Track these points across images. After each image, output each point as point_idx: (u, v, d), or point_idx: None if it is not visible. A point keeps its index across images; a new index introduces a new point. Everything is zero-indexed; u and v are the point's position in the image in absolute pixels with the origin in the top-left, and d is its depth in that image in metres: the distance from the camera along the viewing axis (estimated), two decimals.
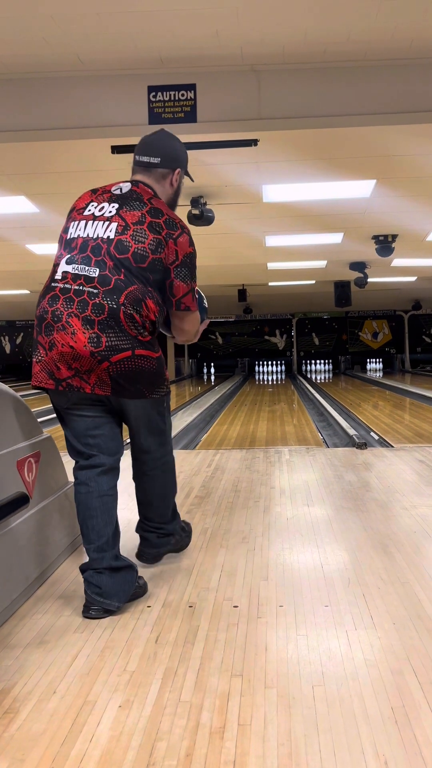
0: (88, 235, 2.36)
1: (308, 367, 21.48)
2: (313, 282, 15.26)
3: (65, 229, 2.44)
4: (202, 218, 7.24)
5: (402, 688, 1.73)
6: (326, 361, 21.49)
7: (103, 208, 2.42)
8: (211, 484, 4.22)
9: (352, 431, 6.27)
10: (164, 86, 5.15)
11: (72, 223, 2.43)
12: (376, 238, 9.68)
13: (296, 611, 2.22)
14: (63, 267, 2.35)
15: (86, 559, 2.35)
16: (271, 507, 3.59)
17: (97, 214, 2.40)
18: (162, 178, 2.56)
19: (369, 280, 12.73)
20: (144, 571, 2.61)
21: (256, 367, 21.03)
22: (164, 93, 5.17)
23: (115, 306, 2.26)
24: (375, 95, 5.10)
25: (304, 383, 15.16)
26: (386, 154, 5.94)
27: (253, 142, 5.42)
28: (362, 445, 5.45)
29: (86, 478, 2.35)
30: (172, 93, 5.18)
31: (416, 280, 14.98)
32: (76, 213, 2.47)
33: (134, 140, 5.31)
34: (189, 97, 5.16)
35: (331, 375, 20.28)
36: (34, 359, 2.35)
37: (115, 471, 2.41)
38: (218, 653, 1.95)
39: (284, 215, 8.25)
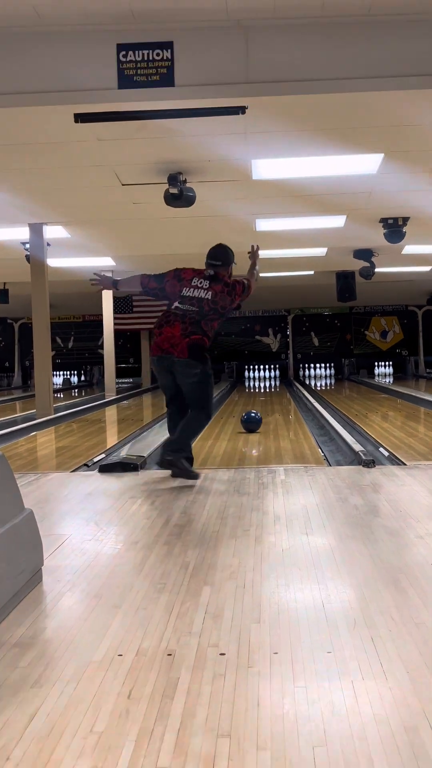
0: (194, 296, 5.21)
1: (307, 372, 21.57)
2: (312, 273, 15.33)
3: (181, 290, 5.25)
4: (181, 198, 7.25)
5: (417, 748, 1.73)
6: (327, 364, 21.59)
7: (201, 282, 5.26)
8: (193, 510, 4.22)
9: (357, 447, 6.28)
10: (136, 44, 5.16)
11: (184, 288, 5.25)
12: (384, 221, 9.74)
13: (293, 659, 2.22)
14: (176, 304, 5.21)
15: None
16: (264, 536, 3.60)
17: (199, 285, 5.25)
18: (224, 271, 5.35)
19: (376, 270, 12.80)
20: (112, 612, 2.60)
21: (246, 372, 21.09)
22: (136, 52, 5.18)
23: (199, 318, 5.16)
24: (382, 55, 5.13)
25: (302, 391, 15.21)
26: (395, 123, 5.97)
27: (240, 110, 5.44)
28: (370, 463, 5.46)
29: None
30: (146, 52, 5.19)
31: (431, 270, 15.10)
32: (186, 283, 5.27)
33: (101, 107, 5.41)
34: (165, 58, 5.18)
35: (333, 381, 20.39)
36: (153, 342, 5.25)
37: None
38: (202, 709, 1.94)
39: (277, 195, 8.28)
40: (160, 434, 7.51)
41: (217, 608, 2.64)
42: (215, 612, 2.61)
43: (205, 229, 9.75)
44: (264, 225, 9.94)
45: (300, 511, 4.13)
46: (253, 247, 5.81)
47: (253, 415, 8.36)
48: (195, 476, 5.06)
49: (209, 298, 5.18)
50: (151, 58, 5.20)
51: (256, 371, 21.21)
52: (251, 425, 8.19)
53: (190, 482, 5.02)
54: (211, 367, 5.20)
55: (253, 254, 5.73)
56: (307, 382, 19.77)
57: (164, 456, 5.09)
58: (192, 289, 5.22)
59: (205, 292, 5.19)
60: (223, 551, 3.37)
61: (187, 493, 4.73)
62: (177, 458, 5.04)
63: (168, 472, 5.26)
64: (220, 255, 5.36)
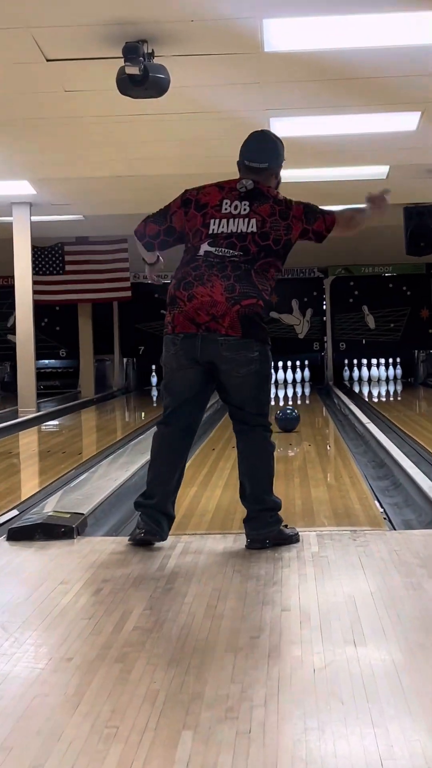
0: (231, 231, 5.21)
1: (356, 373, 21.58)
2: (365, 205, 15.32)
3: (204, 224, 5.25)
4: (146, 83, 7.25)
5: None
6: (390, 359, 21.58)
7: (236, 205, 5.25)
8: (165, 604, 4.22)
9: None
10: None
11: (211, 220, 5.25)
12: None
13: None
14: (206, 248, 5.22)
15: None
16: (284, 647, 3.59)
17: (234, 212, 5.24)
18: (269, 176, 5.43)
19: None
20: None
21: None
22: None
23: (249, 266, 5.19)
24: None
25: (348, 404, 15.17)
26: None
27: None
28: None
29: None
30: None
31: None
32: (211, 209, 5.26)
33: None
34: None
35: (399, 387, 20.38)
36: (177, 311, 5.22)
37: None
38: None
39: (304, 78, 8.28)
40: (111, 476, 7.49)
41: None
42: None
43: (188, 133, 9.76)
44: (283, 126, 9.95)
45: (343, 605, 4.11)
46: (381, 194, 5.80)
47: (289, 411, 8.50)
48: (295, 539, 5.35)
49: (254, 230, 5.22)
50: None
51: (272, 370, 21.26)
52: (288, 424, 8.34)
53: (172, 549, 5.07)
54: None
55: (378, 201, 5.75)
56: (357, 389, 19.76)
57: (254, 539, 5.29)
58: (225, 220, 5.24)
59: (246, 221, 5.23)
60: (214, 673, 3.35)
61: (156, 575, 4.72)
62: (270, 530, 5.29)
63: (123, 539, 5.28)
64: (269, 151, 5.46)
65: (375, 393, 19.13)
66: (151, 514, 5.30)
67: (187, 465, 5.65)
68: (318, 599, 4.23)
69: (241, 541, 5.39)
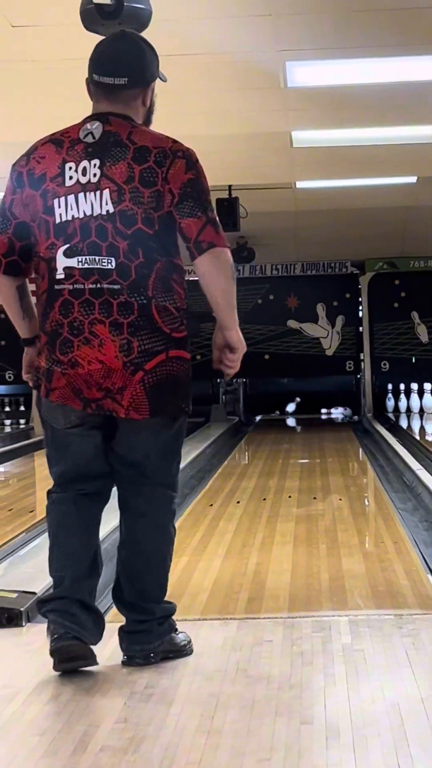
0: (84, 213, 4.62)
1: (403, 402, 21.57)
2: (413, 181, 15.43)
3: (46, 209, 4.66)
4: (119, 14, 7.27)
5: None
6: None
7: (85, 169, 4.62)
8: (145, 714, 4.22)
9: None
10: None
11: (55, 201, 4.64)
12: None
13: None
14: (63, 261, 4.64)
15: None
16: None
17: (83, 180, 4.62)
18: (132, 99, 4.82)
19: None
20: None
21: (270, 400, 21.15)
22: None
23: (145, 301, 4.62)
24: None
25: (392, 442, 15.17)
26: None
27: None
28: None
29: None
30: None
31: None
32: (51, 183, 4.65)
33: None
34: None
35: None
36: (57, 369, 4.67)
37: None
38: None
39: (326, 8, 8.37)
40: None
41: None
42: None
43: (170, 87, 9.81)
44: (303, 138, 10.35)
45: (384, 716, 4.10)
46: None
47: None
48: (188, 649, 5.07)
49: (110, 209, 4.66)
50: None
51: (290, 401, 21.26)
52: None
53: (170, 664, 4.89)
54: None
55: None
56: (404, 424, 19.75)
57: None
58: (73, 199, 4.69)
59: (97, 195, 4.68)
60: None
61: (134, 675, 4.71)
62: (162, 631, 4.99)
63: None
64: (129, 56, 4.90)
65: (429, 429, 19.13)
66: (63, 607, 4.88)
67: (177, 526, 5.59)
68: (350, 709, 4.20)
69: (247, 630, 5.38)
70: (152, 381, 4.62)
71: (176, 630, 5.02)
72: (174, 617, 5.19)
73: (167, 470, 4.96)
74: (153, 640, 4.88)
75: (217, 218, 4.73)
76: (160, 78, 4.92)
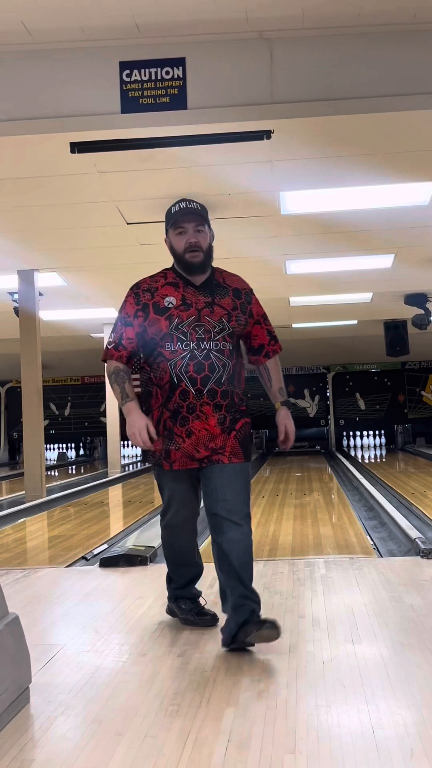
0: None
1: (351, 441, 21.51)
2: (355, 323, 15.40)
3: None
4: None
5: None
6: (376, 432, 21.56)
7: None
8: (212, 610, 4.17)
9: (414, 533, 6.21)
10: (142, 62, 5.34)
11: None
12: None
13: None
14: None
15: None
16: (300, 645, 3.55)
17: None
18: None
19: None
20: (114, 741, 2.56)
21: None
22: (142, 71, 5.36)
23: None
24: (430, 68, 5.25)
25: (347, 464, 15.13)
26: None
27: (265, 134, 5.58)
28: (430, 553, 5.39)
29: None
30: (153, 71, 5.36)
31: None
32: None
33: (101, 134, 5.56)
34: (176, 76, 5.34)
35: (383, 452, 20.26)
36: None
37: None
38: None
39: (310, 231, 8.38)
40: None
41: (242, 736, 2.60)
42: (240, 741, 2.56)
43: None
44: (296, 267, 10.05)
45: (344, 613, 4.07)
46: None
47: None
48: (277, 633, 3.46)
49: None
50: (159, 77, 5.36)
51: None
52: None
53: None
54: None
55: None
56: (353, 454, 19.68)
57: (250, 626, 3.42)
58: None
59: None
60: (248, 663, 3.32)
61: (206, 591, 4.68)
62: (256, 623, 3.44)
63: None
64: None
65: (366, 456, 19.03)
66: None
67: None
68: (326, 609, 4.18)
69: (269, 567, 5.33)
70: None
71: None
72: None
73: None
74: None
75: None
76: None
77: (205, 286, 3.69)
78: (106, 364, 3.74)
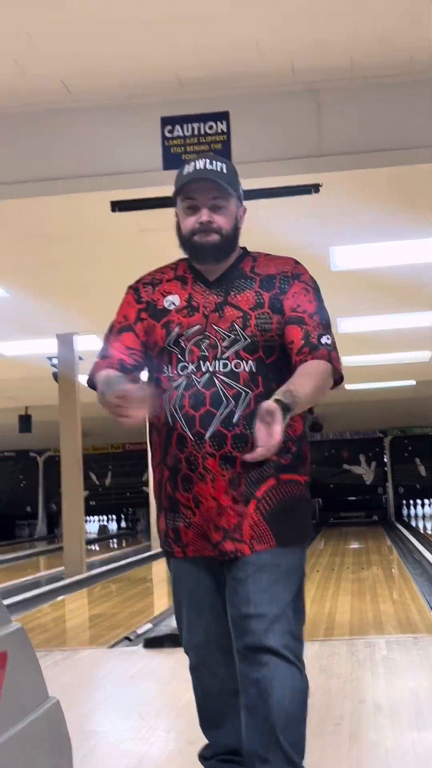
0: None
1: (412, 510, 21.21)
2: (413, 383, 15.35)
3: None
4: None
5: None
6: None
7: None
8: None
9: None
10: (184, 117, 5.46)
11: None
12: None
13: None
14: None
15: None
16: (361, 732, 3.49)
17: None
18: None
19: None
20: None
21: (332, 512, 20.86)
22: (185, 126, 5.48)
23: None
24: None
25: (407, 535, 14.92)
26: None
27: (313, 188, 5.65)
28: None
29: None
30: (196, 126, 5.48)
31: None
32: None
33: (142, 192, 5.66)
34: (219, 131, 5.45)
35: None
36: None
37: None
38: None
39: (364, 288, 8.43)
40: None
41: None
42: None
43: None
44: (348, 326, 10.08)
45: (408, 698, 4.00)
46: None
47: None
48: None
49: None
50: (202, 132, 5.48)
51: (346, 509, 20.98)
52: None
53: None
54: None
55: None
56: (414, 524, 19.42)
57: None
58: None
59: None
60: (306, 754, 3.26)
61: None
62: None
63: None
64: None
65: (428, 526, 18.78)
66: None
67: None
68: (389, 693, 4.11)
69: (326, 648, 5.26)
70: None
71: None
72: None
73: None
74: None
75: None
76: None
77: (221, 280, 2.58)
78: (96, 388, 2.59)
